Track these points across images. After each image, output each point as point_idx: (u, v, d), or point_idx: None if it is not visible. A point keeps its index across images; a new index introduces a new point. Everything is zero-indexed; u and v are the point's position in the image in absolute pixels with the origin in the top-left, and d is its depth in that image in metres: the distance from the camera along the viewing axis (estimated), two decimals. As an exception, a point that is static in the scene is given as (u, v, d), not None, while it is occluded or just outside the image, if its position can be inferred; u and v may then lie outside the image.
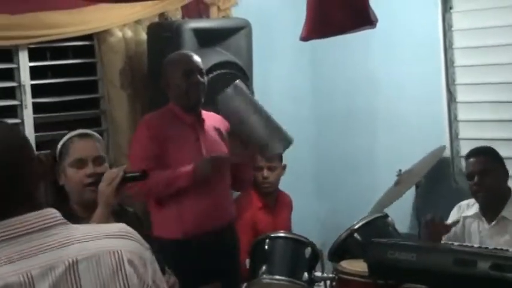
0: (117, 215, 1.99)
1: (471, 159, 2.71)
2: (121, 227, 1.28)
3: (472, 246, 2.58)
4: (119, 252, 1.21)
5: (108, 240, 1.23)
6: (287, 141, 2.62)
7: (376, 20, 2.63)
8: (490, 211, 2.67)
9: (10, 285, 1.13)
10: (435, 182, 3.04)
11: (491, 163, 2.67)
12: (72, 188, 2.03)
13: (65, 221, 1.24)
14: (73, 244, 1.21)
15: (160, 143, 2.53)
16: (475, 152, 2.74)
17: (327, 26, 2.68)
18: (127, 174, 1.94)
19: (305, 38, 2.69)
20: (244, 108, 2.57)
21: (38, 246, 1.19)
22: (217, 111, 2.72)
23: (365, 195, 3.06)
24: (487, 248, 2.51)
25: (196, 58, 2.63)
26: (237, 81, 2.63)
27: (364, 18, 2.66)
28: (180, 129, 2.59)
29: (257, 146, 2.60)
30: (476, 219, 2.72)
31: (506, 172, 2.71)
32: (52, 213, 1.23)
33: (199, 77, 2.60)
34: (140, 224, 2.13)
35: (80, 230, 1.25)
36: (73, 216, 1.95)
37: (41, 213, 1.20)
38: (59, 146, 2.06)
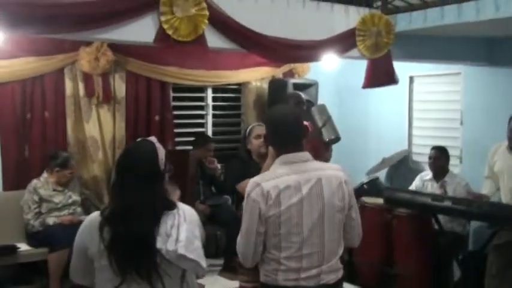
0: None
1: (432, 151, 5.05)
2: (337, 166, 2.29)
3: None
4: (340, 177, 2.22)
5: (332, 171, 2.26)
6: (337, 140, 4.44)
7: (398, 80, 4.43)
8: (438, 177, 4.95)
9: (289, 185, 2.15)
10: (400, 165, 5.95)
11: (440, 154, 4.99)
12: (254, 149, 3.76)
13: (312, 158, 2.23)
14: (317, 170, 2.20)
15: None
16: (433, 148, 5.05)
17: (375, 81, 4.37)
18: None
19: (364, 87, 4.42)
20: (320, 114, 4.42)
21: (303, 169, 2.19)
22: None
23: (365, 164, 6.00)
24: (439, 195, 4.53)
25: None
26: (318, 104, 5.02)
27: (393, 78, 4.39)
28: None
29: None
30: (430, 181, 5.01)
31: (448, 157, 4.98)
32: (308, 154, 2.23)
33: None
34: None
35: (318, 164, 2.24)
36: (252, 162, 3.65)
37: (305, 153, 2.26)
38: (247, 130, 3.95)
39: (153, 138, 2.12)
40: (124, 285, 1.96)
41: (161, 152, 2.07)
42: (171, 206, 2.02)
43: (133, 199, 1.98)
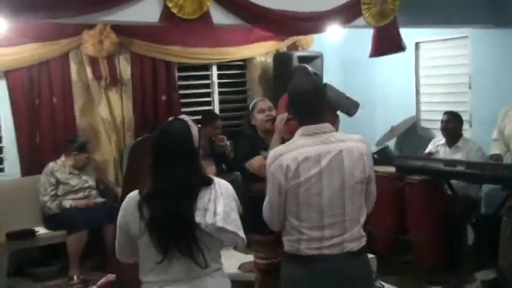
0: None
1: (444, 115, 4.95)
2: (359, 136, 2.26)
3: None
4: (361, 149, 2.22)
5: (354, 142, 2.25)
6: (357, 107, 4.51)
7: (406, 47, 4.32)
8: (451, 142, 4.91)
9: (309, 157, 2.16)
10: (409, 133, 5.88)
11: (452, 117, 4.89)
12: (259, 124, 3.36)
13: (334, 129, 2.22)
14: (338, 142, 2.21)
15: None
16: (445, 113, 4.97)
17: (382, 50, 4.29)
18: (288, 117, 3.01)
19: (371, 56, 4.31)
20: (334, 94, 4.40)
21: (324, 140, 2.20)
22: None
23: (373, 134, 5.91)
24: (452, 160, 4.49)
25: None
26: (327, 82, 4.56)
27: (400, 46, 4.31)
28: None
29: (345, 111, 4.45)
30: (443, 146, 4.98)
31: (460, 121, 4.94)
32: (329, 126, 2.22)
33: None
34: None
35: (338, 134, 2.24)
36: (258, 138, 3.32)
37: (326, 124, 2.25)
38: (251, 105, 3.48)
39: (185, 117, 2.12)
40: (166, 261, 2.01)
41: (194, 129, 2.08)
42: (208, 182, 2.05)
43: (170, 178, 2.01)
